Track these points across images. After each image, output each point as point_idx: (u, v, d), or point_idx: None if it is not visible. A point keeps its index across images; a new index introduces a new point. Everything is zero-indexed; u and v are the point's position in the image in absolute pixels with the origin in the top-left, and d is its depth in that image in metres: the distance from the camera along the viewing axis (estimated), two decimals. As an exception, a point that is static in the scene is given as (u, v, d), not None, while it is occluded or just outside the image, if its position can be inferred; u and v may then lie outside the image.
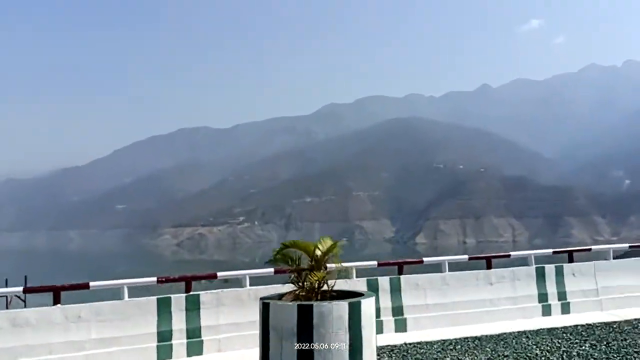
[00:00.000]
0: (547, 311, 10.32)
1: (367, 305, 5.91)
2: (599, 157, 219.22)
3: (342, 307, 5.70)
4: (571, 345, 8.13)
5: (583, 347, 7.98)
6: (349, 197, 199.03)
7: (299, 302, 5.79)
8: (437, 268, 10.37)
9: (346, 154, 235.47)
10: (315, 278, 5.99)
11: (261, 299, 6.13)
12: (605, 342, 8.21)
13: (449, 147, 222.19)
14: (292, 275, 6.24)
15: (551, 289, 10.53)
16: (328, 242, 6.30)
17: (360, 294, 6.24)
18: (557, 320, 9.90)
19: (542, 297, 10.45)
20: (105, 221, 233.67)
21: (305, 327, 5.60)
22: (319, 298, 6.05)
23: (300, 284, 6.13)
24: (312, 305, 5.68)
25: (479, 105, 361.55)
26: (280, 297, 6.24)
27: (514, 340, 8.56)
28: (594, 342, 8.27)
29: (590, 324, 9.44)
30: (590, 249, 11.66)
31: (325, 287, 6.16)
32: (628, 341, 8.23)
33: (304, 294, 6.07)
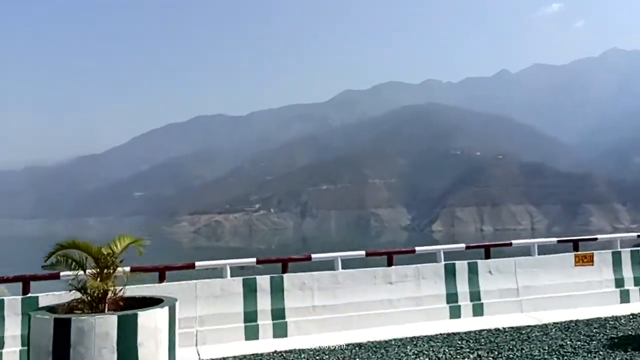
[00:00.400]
0: (455, 313, 9.29)
1: (149, 318, 4.98)
2: (619, 143, 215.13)
3: (108, 322, 4.80)
4: (455, 356, 7.14)
5: (467, 359, 7.01)
6: (364, 185, 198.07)
7: (56, 316, 4.88)
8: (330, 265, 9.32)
9: (362, 141, 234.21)
10: (96, 285, 5.08)
11: (33, 311, 5.24)
12: (496, 352, 7.25)
13: (466, 133, 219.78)
14: (72, 282, 5.33)
15: (462, 288, 9.45)
16: (125, 241, 5.40)
17: (157, 302, 5.33)
18: (464, 323, 8.88)
19: (452, 298, 9.37)
20: (123, 208, 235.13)
21: (62, 346, 4.71)
22: (104, 309, 5.16)
23: (85, 292, 5.23)
24: (69, 319, 4.76)
25: (497, 91, 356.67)
26: (68, 307, 5.33)
27: (397, 349, 7.59)
28: (484, 351, 7.29)
29: (498, 329, 8.47)
30: (510, 244, 10.46)
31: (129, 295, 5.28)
32: (524, 351, 7.24)
33: (77, 304, 5.18)
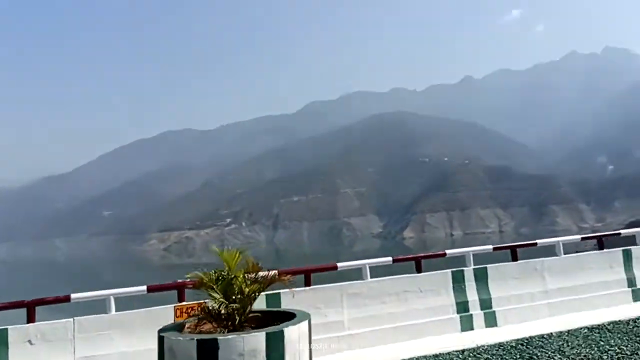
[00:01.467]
0: None
1: None
2: (583, 144, 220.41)
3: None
4: None
5: None
6: (336, 195, 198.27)
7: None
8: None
9: (332, 151, 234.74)
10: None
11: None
12: None
13: (434, 140, 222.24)
14: None
15: None
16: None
17: None
18: None
19: None
20: (91, 228, 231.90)
21: None
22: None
23: None
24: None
25: (462, 97, 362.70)
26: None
27: None
28: None
29: None
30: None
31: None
32: None
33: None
